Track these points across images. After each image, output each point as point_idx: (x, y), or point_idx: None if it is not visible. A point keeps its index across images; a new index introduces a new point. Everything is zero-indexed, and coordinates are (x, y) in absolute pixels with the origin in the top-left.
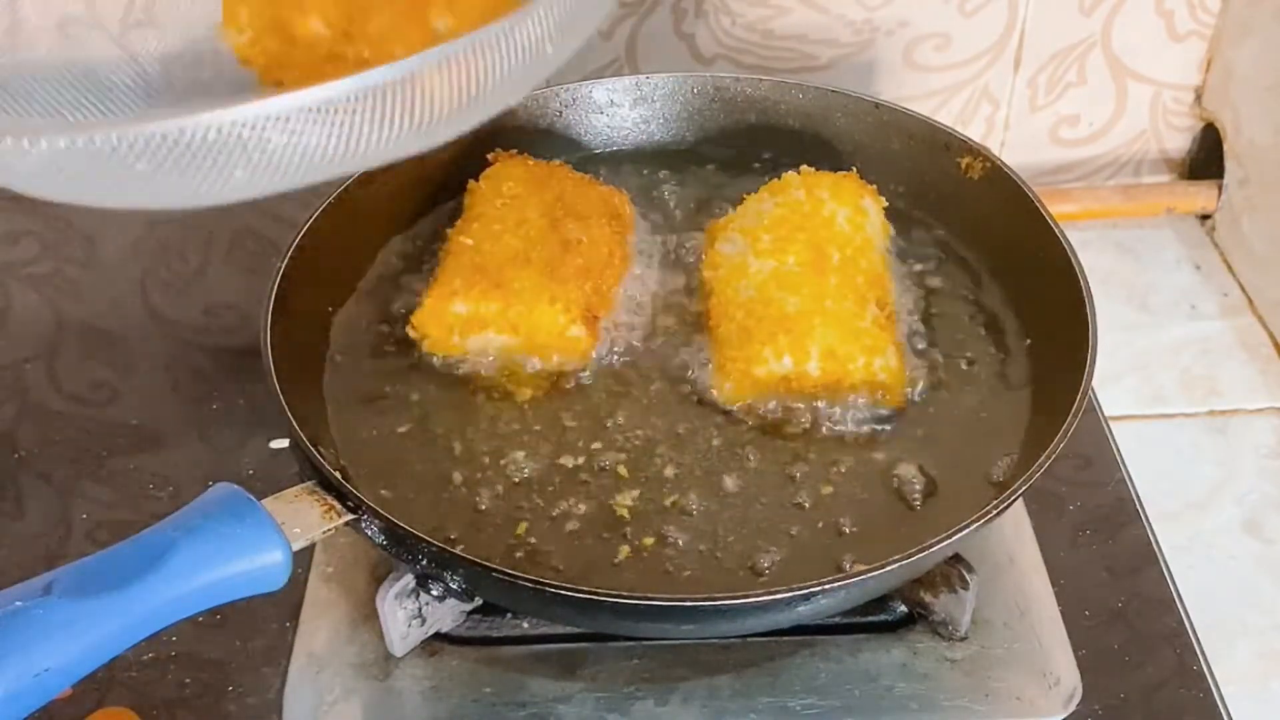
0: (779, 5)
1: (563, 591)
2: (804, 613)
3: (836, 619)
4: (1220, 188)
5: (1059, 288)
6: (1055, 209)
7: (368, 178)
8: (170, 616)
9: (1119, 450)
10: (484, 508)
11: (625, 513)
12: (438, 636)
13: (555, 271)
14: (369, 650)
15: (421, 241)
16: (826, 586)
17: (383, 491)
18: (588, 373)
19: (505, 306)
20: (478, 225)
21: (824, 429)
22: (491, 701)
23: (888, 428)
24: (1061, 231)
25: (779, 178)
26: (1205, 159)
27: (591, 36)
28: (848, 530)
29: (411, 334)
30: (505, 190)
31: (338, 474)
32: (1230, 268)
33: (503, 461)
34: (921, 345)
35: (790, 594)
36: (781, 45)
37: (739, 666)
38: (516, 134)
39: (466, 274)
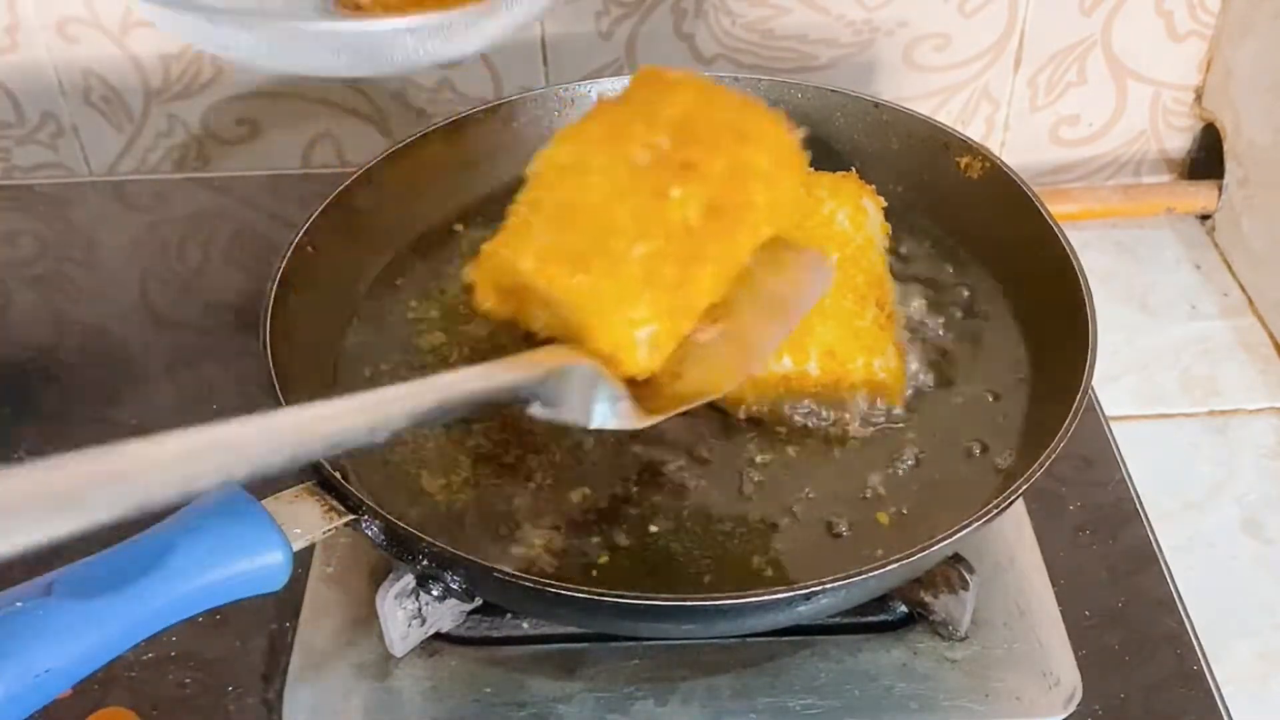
0: (779, 5)
1: (563, 592)
2: (804, 612)
3: (836, 619)
4: (1220, 188)
5: (1059, 288)
6: (1055, 209)
7: (368, 177)
8: (171, 617)
9: (1119, 450)
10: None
11: (626, 518)
12: (438, 636)
13: (651, 264)
14: (369, 650)
15: (423, 240)
16: (827, 586)
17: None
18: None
19: (570, 305)
20: (574, 167)
21: (823, 429)
22: (491, 701)
23: (887, 427)
24: (1061, 231)
25: None
26: (1205, 159)
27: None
28: (843, 531)
29: (467, 279)
30: (628, 118)
31: (338, 474)
32: (1230, 268)
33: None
34: (921, 345)
35: (790, 594)
36: (781, 45)
37: (739, 666)
38: (516, 134)
39: (550, 229)
